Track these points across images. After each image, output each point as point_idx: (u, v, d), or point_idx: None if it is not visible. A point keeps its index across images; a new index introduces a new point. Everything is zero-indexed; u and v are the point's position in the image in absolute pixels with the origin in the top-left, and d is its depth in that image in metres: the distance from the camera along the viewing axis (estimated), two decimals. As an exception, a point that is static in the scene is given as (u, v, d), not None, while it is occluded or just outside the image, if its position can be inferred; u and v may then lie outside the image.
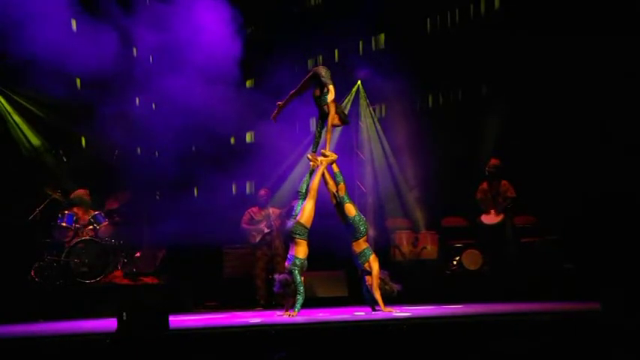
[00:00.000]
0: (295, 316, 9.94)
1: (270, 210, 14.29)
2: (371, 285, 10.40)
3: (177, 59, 14.24)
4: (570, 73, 13.88)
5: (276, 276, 10.46)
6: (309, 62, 14.86)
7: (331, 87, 10.62)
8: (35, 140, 14.87)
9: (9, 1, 13.20)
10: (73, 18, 13.64)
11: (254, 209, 14.44)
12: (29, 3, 13.27)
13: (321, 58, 14.75)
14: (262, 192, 14.52)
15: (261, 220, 14.27)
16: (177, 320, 9.12)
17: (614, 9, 13.47)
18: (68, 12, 13.59)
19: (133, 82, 14.35)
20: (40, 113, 14.85)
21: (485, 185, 14.33)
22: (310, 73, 10.93)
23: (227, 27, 14.24)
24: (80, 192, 13.93)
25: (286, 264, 10.37)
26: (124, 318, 7.36)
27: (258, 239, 14.19)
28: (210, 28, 14.20)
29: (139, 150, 15.17)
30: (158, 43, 14.13)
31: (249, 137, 15.67)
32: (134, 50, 14.35)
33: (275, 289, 10.38)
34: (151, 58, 14.44)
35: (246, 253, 14.55)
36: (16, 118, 14.87)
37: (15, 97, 14.82)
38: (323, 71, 10.75)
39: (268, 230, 14.17)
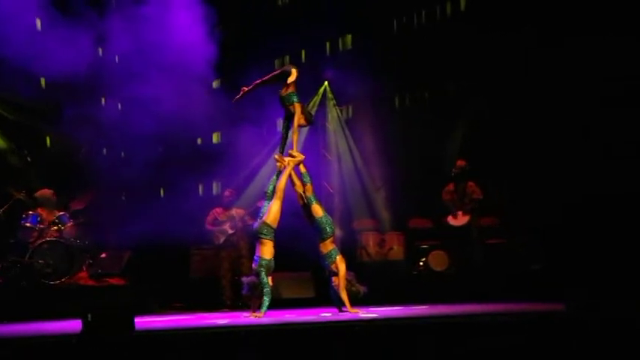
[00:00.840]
0: (262, 317, 9.92)
1: (234, 211, 14.19)
2: (337, 286, 10.40)
3: (147, 60, 14.13)
4: (535, 74, 13.98)
5: (244, 278, 10.47)
6: (277, 62, 14.81)
7: (294, 70, 10.76)
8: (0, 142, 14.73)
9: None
10: (42, 18, 13.52)
11: (218, 210, 14.32)
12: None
13: (288, 58, 14.71)
14: (227, 193, 14.42)
15: (225, 221, 14.16)
16: (143, 321, 9.06)
17: (587, 7, 13.54)
18: (38, 12, 13.46)
19: (102, 82, 14.26)
20: (4, 113, 14.70)
21: (451, 186, 14.37)
22: (281, 69, 11.09)
23: (199, 27, 14.19)
24: (45, 192, 13.75)
25: (253, 265, 10.35)
26: (89, 319, 7.30)
27: (222, 240, 14.09)
28: (182, 29, 14.15)
29: (104, 151, 15.05)
30: (128, 44, 14.02)
31: (215, 138, 15.62)
32: (100, 51, 14.25)
33: (243, 291, 10.37)
34: (116, 58, 14.34)
35: (212, 254, 14.46)
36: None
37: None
38: (292, 67, 10.91)
39: (232, 231, 14.07)
